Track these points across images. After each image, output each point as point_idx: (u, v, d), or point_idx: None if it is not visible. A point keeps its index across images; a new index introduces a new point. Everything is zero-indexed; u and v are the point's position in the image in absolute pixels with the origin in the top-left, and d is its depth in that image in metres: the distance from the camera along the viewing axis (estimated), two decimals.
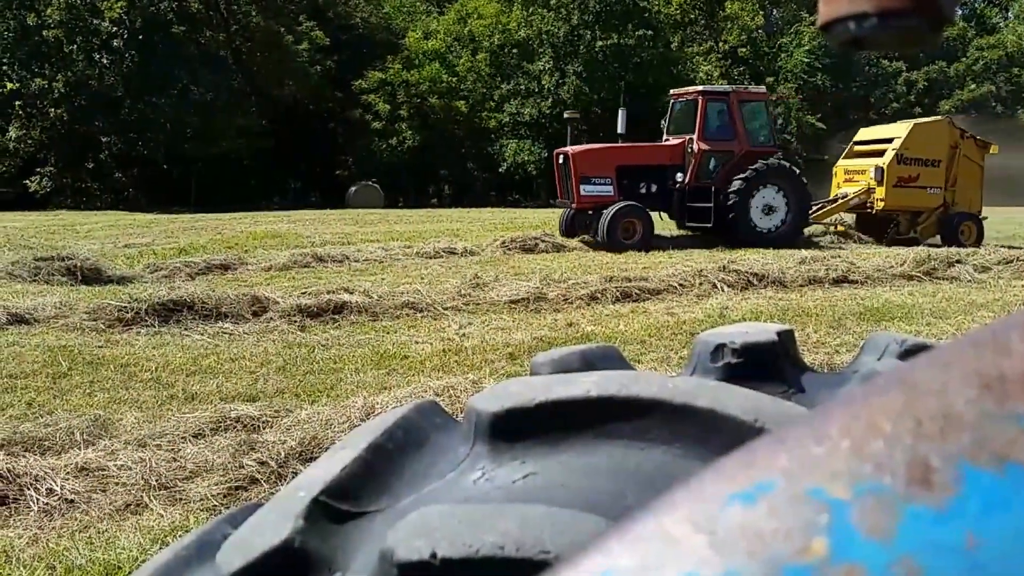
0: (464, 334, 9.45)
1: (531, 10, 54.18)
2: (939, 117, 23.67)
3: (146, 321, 9.79)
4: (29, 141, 43.38)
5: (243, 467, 5.08)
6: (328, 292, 11.15)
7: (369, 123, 49.88)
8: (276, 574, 0.85)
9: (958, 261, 14.48)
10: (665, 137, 20.94)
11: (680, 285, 12.13)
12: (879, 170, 21.13)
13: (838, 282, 13.00)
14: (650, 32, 53.76)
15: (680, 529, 0.45)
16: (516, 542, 0.75)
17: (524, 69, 54.03)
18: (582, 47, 52.66)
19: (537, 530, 0.76)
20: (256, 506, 1.00)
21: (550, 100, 51.93)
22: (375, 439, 1.00)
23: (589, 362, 1.18)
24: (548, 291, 11.55)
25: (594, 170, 19.38)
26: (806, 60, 56.53)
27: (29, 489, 4.78)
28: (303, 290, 11.61)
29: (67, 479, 4.90)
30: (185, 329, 9.62)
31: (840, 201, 21.97)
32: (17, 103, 42.87)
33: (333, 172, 50.39)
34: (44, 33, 43.13)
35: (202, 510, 4.65)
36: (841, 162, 23.46)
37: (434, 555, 0.75)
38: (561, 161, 19.97)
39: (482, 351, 8.55)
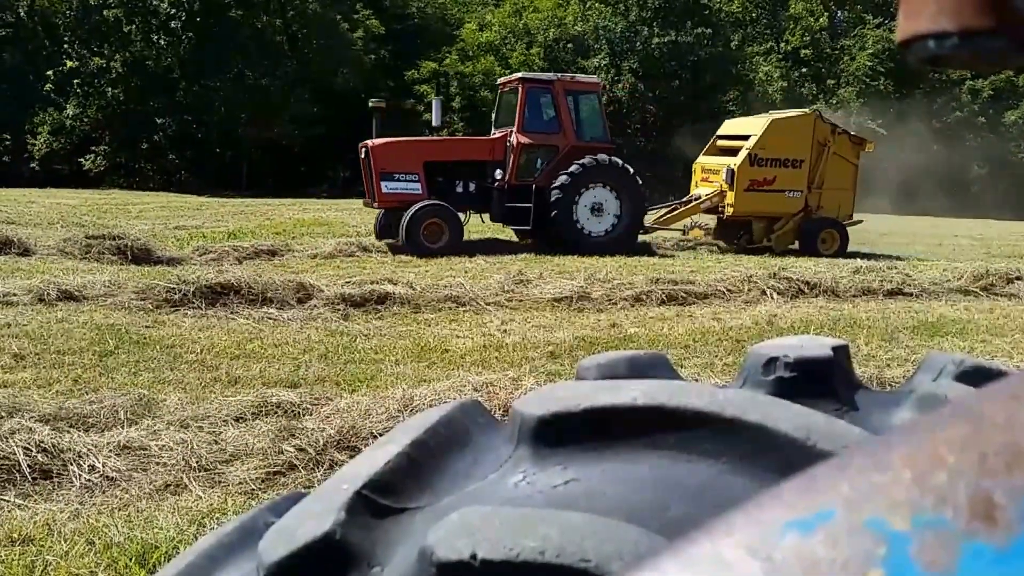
0: (505, 330, 9.46)
1: (588, 4, 53.99)
2: (805, 110, 20.93)
3: (193, 303, 9.91)
4: (85, 119, 44.11)
5: (282, 453, 5.12)
6: (372, 282, 11.23)
7: (421, 114, 50.07)
8: (317, 565, 0.86)
9: (1018, 278, 14.14)
10: (493, 131, 19.10)
11: (728, 290, 12.02)
12: (729, 172, 19.10)
13: (892, 294, 12.78)
14: (709, 30, 53.36)
15: (735, 554, 0.44)
16: (557, 548, 0.74)
17: (579, 65, 53.89)
18: (639, 44, 52.39)
19: (578, 537, 0.75)
20: (299, 495, 1.00)
21: (605, 98, 51.79)
22: (419, 436, 1.00)
23: (637, 369, 1.17)
24: (592, 290, 11.52)
25: (397, 165, 17.50)
26: (869, 64, 55.75)
27: (72, 465, 4.85)
28: (347, 279, 11.70)
29: (109, 457, 4.97)
30: (231, 313, 9.73)
31: (692, 204, 19.96)
32: (75, 81, 43.59)
33: None
34: (104, 13, 43.78)
35: (240, 494, 4.70)
36: (700, 159, 21.22)
37: (474, 556, 0.75)
38: (363, 155, 18.05)
39: (523, 348, 8.55)
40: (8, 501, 4.51)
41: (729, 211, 19.07)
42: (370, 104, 19.05)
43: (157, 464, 4.98)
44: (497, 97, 19.77)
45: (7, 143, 45.57)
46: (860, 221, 20.62)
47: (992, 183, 56.12)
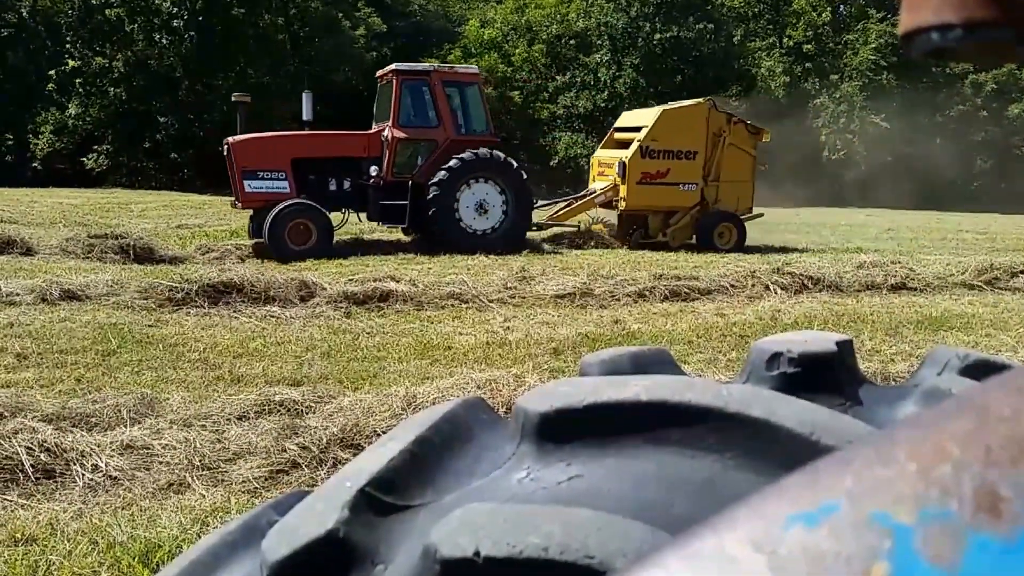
0: (508, 327, 9.46)
1: (590, 0, 54.01)
2: (698, 100, 19.92)
3: (196, 302, 9.93)
4: (87, 119, 44.18)
5: (285, 451, 5.12)
6: (374, 280, 11.23)
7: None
8: (320, 563, 0.85)
9: (1022, 272, 14.11)
10: (373, 125, 18.15)
11: (731, 286, 12.00)
12: (621, 165, 18.36)
13: (896, 289, 12.76)
14: (711, 25, 53.34)
15: (739, 549, 0.44)
16: (560, 545, 0.74)
17: (580, 61, 53.88)
18: (640, 39, 52.39)
19: (582, 534, 0.75)
20: (302, 494, 1.00)
21: (606, 93, 51.81)
22: (422, 433, 1.00)
23: (640, 365, 1.17)
24: (595, 287, 11.52)
25: (261, 163, 16.37)
26: (872, 58, 55.65)
27: (75, 464, 4.86)
28: (350, 277, 11.71)
29: (112, 456, 4.98)
30: (234, 311, 9.74)
31: (586, 199, 19.22)
32: (77, 80, 43.66)
33: None
34: (106, 12, 43.84)
35: (244, 492, 4.70)
36: (597, 152, 20.47)
37: (477, 553, 0.75)
38: (225, 152, 16.87)
39: (526, 345, 8.55)
40: (11, 501, 4.51)
41: (622, 205, 18.47)
42: (233, 98, 18.23)
43: (160, 463, 4.98)
44: (378, 90, 18.68)
45: (9, 143, 45.64)
46: (760, 215, 20.20)
47: (996, 177, 56.07)
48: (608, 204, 18.83)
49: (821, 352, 1.09)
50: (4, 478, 4.72)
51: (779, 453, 0.85)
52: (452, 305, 10.60)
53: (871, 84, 55.75)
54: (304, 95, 17.99)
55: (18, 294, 9.76)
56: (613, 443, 0.93)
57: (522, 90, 53.52)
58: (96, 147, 44.16)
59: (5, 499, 4.52)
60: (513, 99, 52.41)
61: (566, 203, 19.59)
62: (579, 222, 19.36)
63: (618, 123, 20.59)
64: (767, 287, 12.09)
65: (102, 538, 4.05)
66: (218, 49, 44.16)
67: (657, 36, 52.24)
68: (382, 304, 10.40)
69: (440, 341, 8.70)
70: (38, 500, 4.55)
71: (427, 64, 18.16)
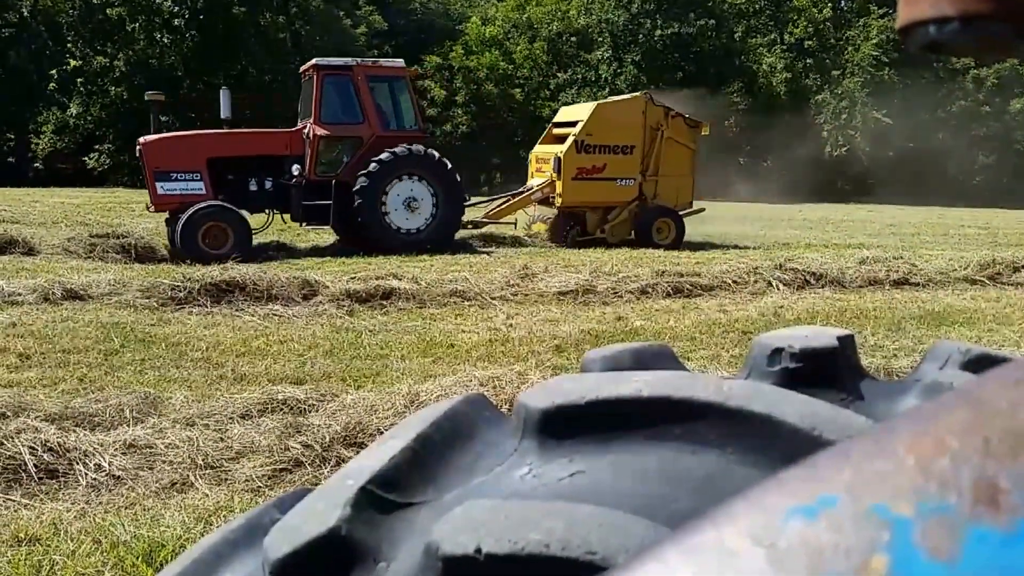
0: (511, 324, 9.46)
1: None
2: (635, 94, 19.44)
3: (198, 301, 9.94)
4: (89, 118, 44.24)
5: (288, 449, 5.12)
6: (377, 278, 11.25)
7: (424, 109, 50.10)
8: (322, 561, 0.85)
9: None
10: (299, 123, 17.47)
11: (734, 282, 12.01)
12: (556, 160, 17.91)
13: (898, 284, 12.77)
14: (712, 22, 53.34)
15: (739, 542, 0.44)
16: (562, 541, 0.74)
17: (582, 58, 53.89)
18: (641, 36, 52.40)
19: (584, 530, 0.75)
20: (305, 492, 1.00)
21: (607, 90, 51.78)
22: (423, 430, 1.00)
23: (642, 361, 1.17)
24: (598, 284, 11.52)
25: (175, 163, 15.51)
26: (874, 54, 55.62)
27: (78, 464, 4.86)
28: (352, 275, 11.72)
29: (115, 455, 4.98)
30: (236, 310, 9.75)
31: (522, 196, 18.78)
32: (79, 80, 43.71)
33: None
34: (107, 11, 43.90)
35: (247, 491, 4.70)
36: (536, 148, 19.83)
37: (479, 550, 0.75)
38: (138, 153, 16.01)
39: (529, 342, 8.55)
40: (14, 501, 4.51)
41: (558, 201, 18.08)
42: (146, 97, 17.28)
43: (163, 462, 4.99)
44: (302, 87, 18.04)
45: (11, 143, 45.69)
46: (702, 209, 19.89)
47: (998, 172, 56.03)
48: (546, 201, 18.51)
49: (822, 347, 1.09)
50: (7, 478, 4.72)
51: (781, 448, 0.85)
52: (455, 303, 10.61)
53: (872, 80, 55.74)
54: (222, 92, 17.15)
55: (20, 294, 9.77)
56: (615, 439, 0.93)
57: (523, 87, 53.53)
58: (97, 146, 44.24)
59: (8, 499, 4.53)
60: (515, 96, 52.42)
61: (504, 200, 19.13)
62: (516, 219, 18.94)
63: (556, 118, 20.13)
64: (769, 283, 12.09)
65: (105, 538, 4.05)
66: (219, 48, 44.20)
67: (658, 33, 52.28)
68: (385, 302, 10.41)
69: (443, 339, 8.70)
70: (41, 500, 4.55)
71: (350, 59, 17.30)
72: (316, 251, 16.76)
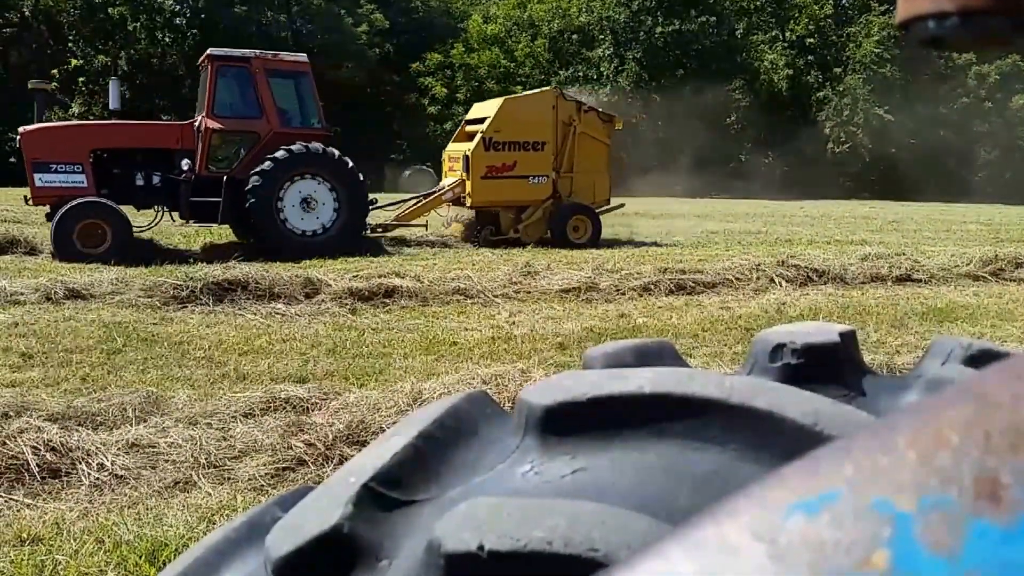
0: (514, 322, 9.46)
1: None
2: (545, 88, 18.84)
3: (201, 299, 9.95)
4: (91, 117, 44.20)
5: (291, 448, 5.13)
6: (379, 276, 11.25)
7: (425, 107, 50.14)
8: (324, 559, 0.85)
9: None
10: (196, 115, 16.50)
11: (736, 279, 12.01)
12: (465, 159, 17.31)
13: (901, 280, 12.77)
14: (713, 18, 53.35)
15: (740, 538, 0.44)
16: (564, 538, 0.74)
17: (583, 56, 53.90)
18: (642, 33, 52.41)
19: (586, 527, 0.75)
20: (306, 490, 1.00)
21: (608, 87, 51.79)
22: (425, 428, 1.00)
23: (644, 357, 1.17)
24: (600, 281, 11.53)
25: (54, 155, 14.70)
26: (875, 51, 55.60)
27: (81, 463, 4.86)
28: (355, 273, 11.72)
29: (118, 455, 4.98)
30: (239, 308, 9.76)
31: (433, 196, 18.07)
32: (80, 79, 43.75)
33: (388, 155, 50.83)
34: (109, 10, 43.95)
35: (250, 490, 4.71)
36: (449, 146, 19.18)
37: (481, 547, 0.75)
38: (18, 143, 15.29)
39: (531, 340, 8.55)
40: (17, 500, 4.52)
41: (469, 201, 17.48)
42: (30, 85, 16.62)
43: (166, 461, 4.99)
44: (200, 79, 16.99)
45: (12, 143, 45.72)
46: (621, 205, 19.46)
47: (1000, 168, 56.03)
48: (457, 201, 17.92)
49: (824, 343, 1.09)
50: (10, 478, 4.72)
51: (783, 444, 0.85)
52: (457, 300, 10.62)
53: (874, 77, 55.72)
54: (111, 81, 16.41)
55: (22, 293, 9.79)
56: (617, 436, 0.93)
57: (525, 85, 53.54)
58: None
59: (11, 499, 4.53)
60: (516, 94, 52.45)
61: (415, 201, 18.45)
62: (427, 222, 18.29)
63: (469, 115, 19.45)
64: (772, 280, 12.10)
65: (108, 537, 4.05)
66: (221, 47, 44.24)
67: (659, 30, 52.29)
68: (387, 300, 10.42)
69: (445, 337, 8.70)
70: (44, 499, 4.56)
71: (248, 51, 16.40)
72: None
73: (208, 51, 16.16)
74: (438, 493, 0.92)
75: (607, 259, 14.03)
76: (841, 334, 1.11)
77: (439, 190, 18.17)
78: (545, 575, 0.73)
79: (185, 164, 15.28)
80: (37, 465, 4.80)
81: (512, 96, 18.99)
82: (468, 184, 17.27)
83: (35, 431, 5.07)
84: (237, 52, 16.34)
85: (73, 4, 45.41)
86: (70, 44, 45.04)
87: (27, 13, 46.55)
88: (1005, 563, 0.40)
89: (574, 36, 54.62)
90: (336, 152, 15.56)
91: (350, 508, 0.87)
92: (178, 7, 45.26)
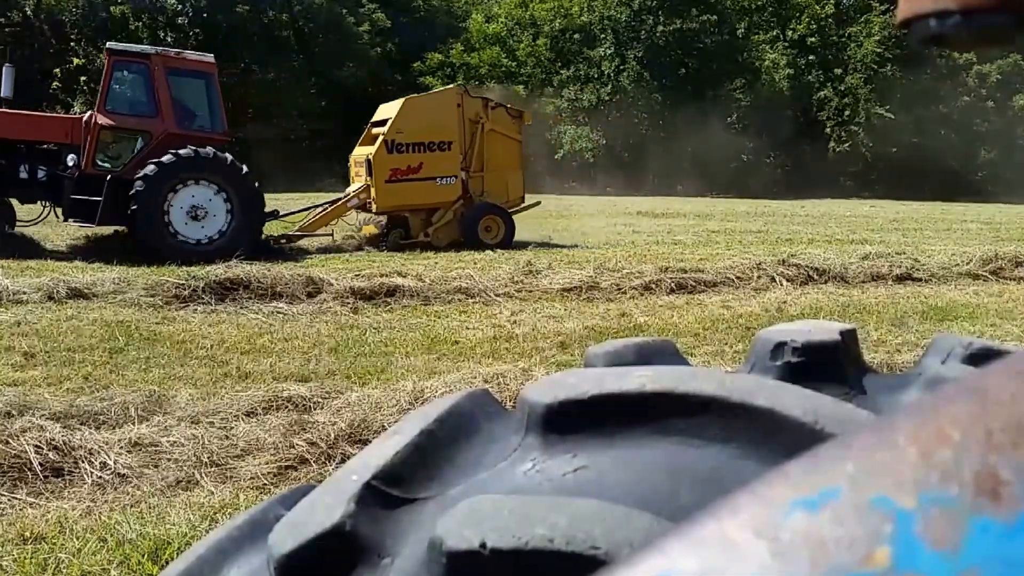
0: (515, 321, 9.46)
1: None
2: (449, 87, 18.19)
3: (203, 299, 9.95)
4: None
5: (293, 447, 5.13)
6: (381, 275, 11.25)
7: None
8: (327, 557, 0.86)
9: None
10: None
11: (737, 278, 12.00)
12: (367, 163, 16.64)
13: (901, 279, 12.76)
14: (715, 18, 53.34)
15: (741, 534, 0.44)
16: (566, 536, 0.74)
17: (584, 55, 53.89)
18: (644, 33, 52.40)
19: (588, 524, 0.75)
20: (309, 488, 1.00)
21: (610, 87, 51.77)
22: (427, 426, 1.00)
23: (645, 355, 1.17)
24: (602, 280, 11.52)
25: None
26: (876, 50, 55.58)
27: (84, 462, 4.86)
28: (356, 272, 11.71)
29: (120, 453, 4.98)
30: (241, 307, 9.76)
31: (338, 204, 17.29)
32: (82, 78, 43.74)
33: None
34: (111, 9, 43.95)
35: (252, 488, 4.71)
36: (355, 150, 18.33)
37: (483, 545, 0.75)
38: None
39: (533, 339, 8.55)
40: (20, 499, 4.52)
41: (374, 207, 16.77)
42: None
43: (168, 460, 4.99)
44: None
45: None
46: (537, 203, 18.92)
47: (1000, 167, 56.01)
48: (364, 207, 17.20)
49: (825, 341, 1.09)
50: (13, 476, 4.72)
51: (783, 442, 0.85)
52: (459, 300, 10.62)
53: (875, 76, 55.70)
54: (5, 68, 15.30)
55: (25, 292, 9.78)
56: (618, 434, 0.93)
57: (527, 84, 53.56)
58: None
59: (14, 497, 4.53)
60: (517, 93, 52.42)
61: (321, 209, 17.51)
62: (333, 232, 17.55)
63: (375, 116, 18.44)
64: (773, 279, 12.09)
65: (111, 535, 4.05)
66: (223, 46, 44.23)
67: (660, 29, 52.24)
68: (389, 299, 10.42)
69: (447, 336, 8.70)
70: (47, 498, 4.56)
71: (149, 47, 15.74)
72: (320, 249, 16.55)
73: (109, 45, 15.61)
74: (440, 491, 0.92)
75: (608, 258, 14.03)
76: (842, 333, 1.11)
77: (344, 197, 17.44)
78: (547, 573, 0.73)
79: (71, 160, 14.69)
80: (40, 464, 4.80)
81: (414, 96, 18.28)
82: (373, 189, 16.61)
83: (38, 430, 5.07)
84: (138, 47, 15.82)
85: (75, 3, 45.41)
86: (72, 43, 45.02)
87: (29, 12, 46.56)
88: (1005, 559, 0.40)
89: (575, 35, 54.59)
90: (229, 157, 14.78)
91: (352, 506, 0.87)
92: (180, 7, 45.28)
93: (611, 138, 49.74)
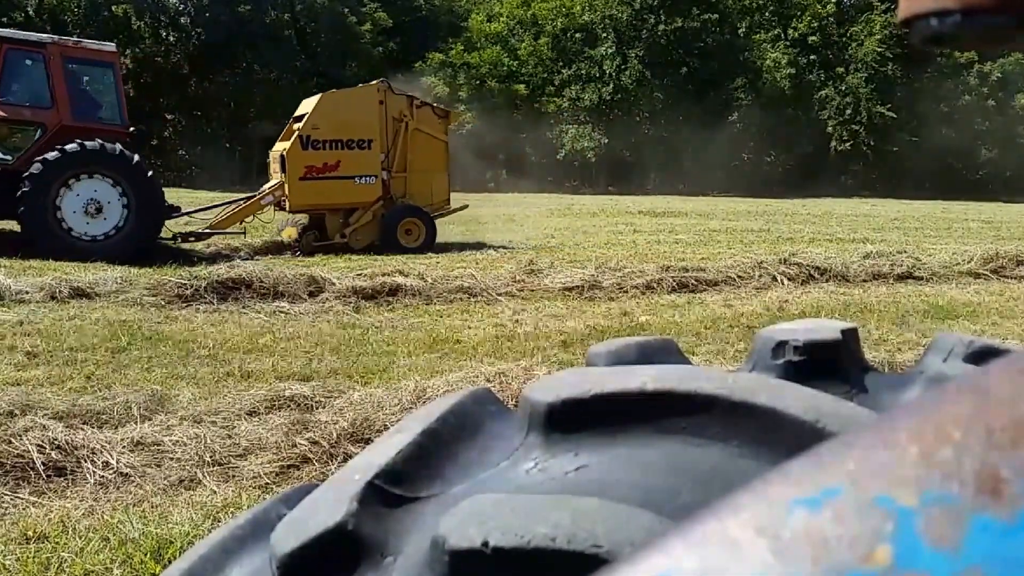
0: (517, 320, 9.46)
1: None
2: (372, 83, 17.35)
3: (205, 298, 9.95)
4: None
5: (296, 446, 5.13)
6: (383, 274, 11.26)
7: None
8: (329, 556, 0.86)
9: None
10: None
11: (739, 277, 12.01)
12: (281, 159, 16.05)
13: (903, 278, 12.76)
14: (716, 16, 53.33)
15: (743, 533, 0.44)
16: (568, 534, 0.74)
17: (586, 54, 53.87)
18: (645, 32, 52.39)
19: (590, 523, 0.75)
20: (311, 487, 1.00)
21: (611, 86, 51.75)
22: (429, 425, 1.00)
23: (646, 354, 1.17)
24: (603, 279, 11.52)
25: None
26: (877, 50, 55.55)
27: (86, 461, 4.87)
28: (358, 271, 11.72)
29: (123, 453, 4.98)
30: (243, 307, 9.77)
31: (252, 200, 16.54)
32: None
33: None
34: (113, 9, 43.98)
35: (254, 487, 4.71)
36: (277, 145, 17.48)
37: (486, 544, 0.75)
38: None
39: (535, 338, 8.55)
40: (22, 499, 4.52)
41: (288, 205, 16.22)
42: None
43: (171, 459, 4.99)
44: None
45: None
46: (465, 206, 18.41)
47: (1001, 166, 56.01)
48: (279, 205, 16.56)
49: (826, 340, 1.09)
50: (15, 476, 4.73)
51: (785, 441, 0.85)
52: (461, 299, 10.62)
53: (876, 75, 55.66)
54: None
55: (27, 292, 9.79)
56: (620, 433, 0.93)
57: (528, 83, 53.55)
58: None
59: (16, 497, 4.54)
60: (519, 92, 52.43)
61: (235, 205, 16.80)
62: (244, 229, 16.84)
63: (297, 111, 17.75)
64: (774, 278, 12.09)
65: (113, 535, 4.06)
66: (225, 46, 44.25)
67: (662, 28, 52.22)
68: (391, 298, 10.42)
69: (449, 335, 8.70)
70: (49, 498, 4.56)
71: (46, 35, 15.18)
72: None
73: (2, 32, 15.01)
74: (442, 490, 0.92)
75: (610, 257, 14.03)
76: (843, 331, 1.11)
77: (258, 194, 16.73)
78: (549, 571, 0.74)
79: None
80: (42, 463, 4.80)
81: (333, 91, 17.57)
82: (286, 187, 16.02)
83: (40, 429, 5.07)
84: (35, 36, 15.24)
85: (77, 3, 45.44)
86: None
87: (31, 12, 46.59)
88: (1007, 558, 0.40)
89: (577, 34, 54.56)
90: (119, 148, 14.21)
91: (355, 505, 0.87)
92: (182, 6, 45.33)
93: (612, 137, 49.79)
